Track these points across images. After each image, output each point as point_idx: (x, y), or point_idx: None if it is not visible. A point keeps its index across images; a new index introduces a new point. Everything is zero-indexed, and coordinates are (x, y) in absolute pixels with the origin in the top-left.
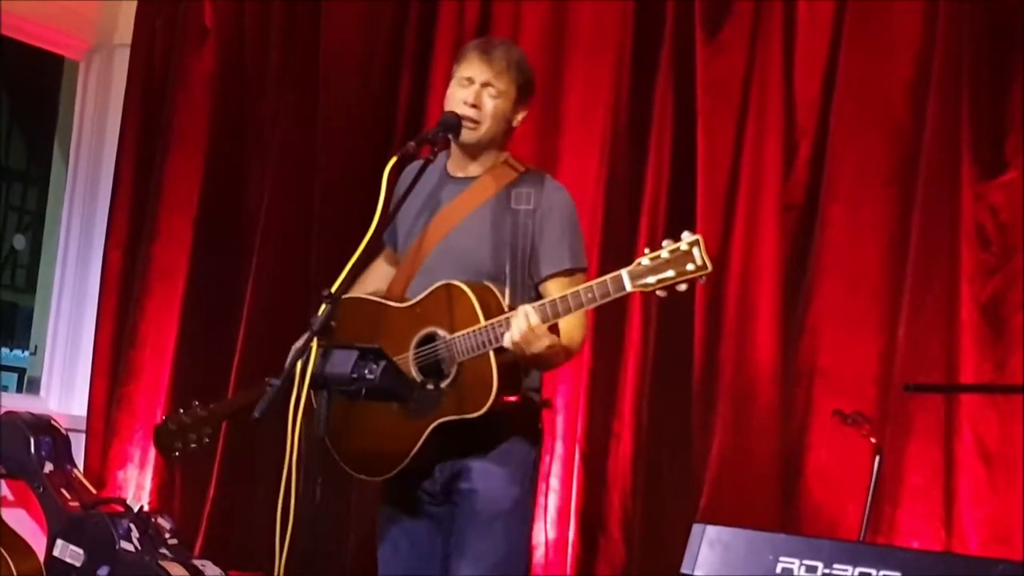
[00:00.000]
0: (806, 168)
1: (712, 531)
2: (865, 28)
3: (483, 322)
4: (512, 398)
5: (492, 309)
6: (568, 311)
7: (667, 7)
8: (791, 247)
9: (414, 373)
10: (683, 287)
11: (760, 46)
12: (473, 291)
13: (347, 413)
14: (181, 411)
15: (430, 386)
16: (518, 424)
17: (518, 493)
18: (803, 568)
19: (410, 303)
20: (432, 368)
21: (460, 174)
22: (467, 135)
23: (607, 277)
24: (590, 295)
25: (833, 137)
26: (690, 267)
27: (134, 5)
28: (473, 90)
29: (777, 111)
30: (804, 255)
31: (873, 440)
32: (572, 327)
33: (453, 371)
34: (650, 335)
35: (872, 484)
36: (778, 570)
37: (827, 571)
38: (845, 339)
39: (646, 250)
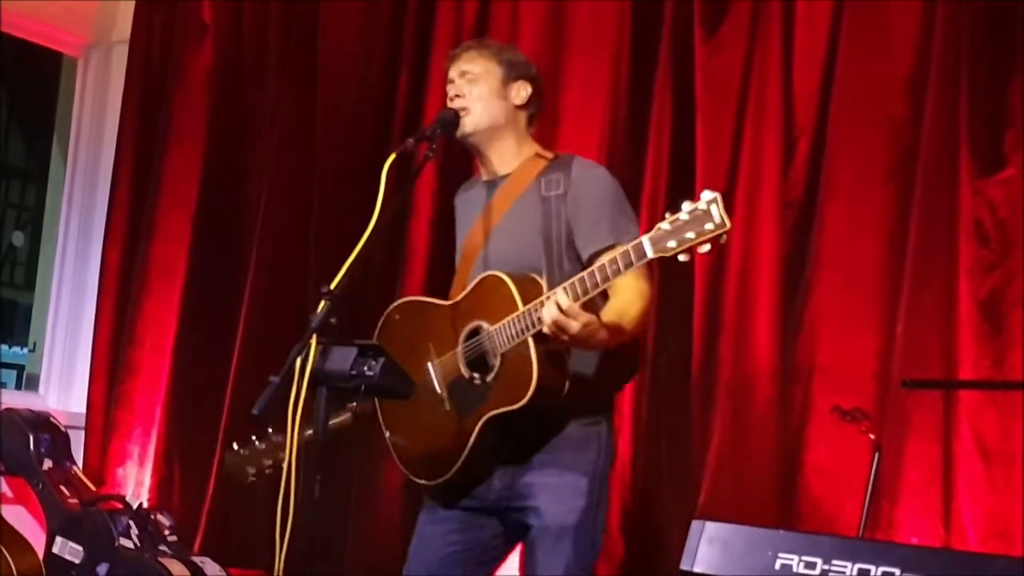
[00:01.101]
0: (804, 165)
1: (711, 527)
2: (863, 25)
3: (520, 309)
4: (557, 387)
5: (532, 297)
6: (596, 286)
7: (665, 5)
8: (790, 244)
9: (463, 368)
10: (705, 248)
11: (759, 44)
12: (512, 279)
13: (401, 415)
14: (254, 438)
15: (476, 380)
16: (582, 419)
17: (584, 505)
18: (802, 564)
19: (456, 299)
20: (478, 361)
21: (489, 177)
22: (464, 124)
23: (629, 246)
24: (614, 267)
25: (831, 134)
26: (709, 226)
27: (132, 2)
28: (455, 85)
29: (776, 108)
30: (803, 252)
31: (872, 436)
32: (626, 301)
33: (496, 363)
34: (649, 331)
35: (871, 480)
36: (777, 566)
37: (826, 567)
38: (844, 335)
39: (666, 214)
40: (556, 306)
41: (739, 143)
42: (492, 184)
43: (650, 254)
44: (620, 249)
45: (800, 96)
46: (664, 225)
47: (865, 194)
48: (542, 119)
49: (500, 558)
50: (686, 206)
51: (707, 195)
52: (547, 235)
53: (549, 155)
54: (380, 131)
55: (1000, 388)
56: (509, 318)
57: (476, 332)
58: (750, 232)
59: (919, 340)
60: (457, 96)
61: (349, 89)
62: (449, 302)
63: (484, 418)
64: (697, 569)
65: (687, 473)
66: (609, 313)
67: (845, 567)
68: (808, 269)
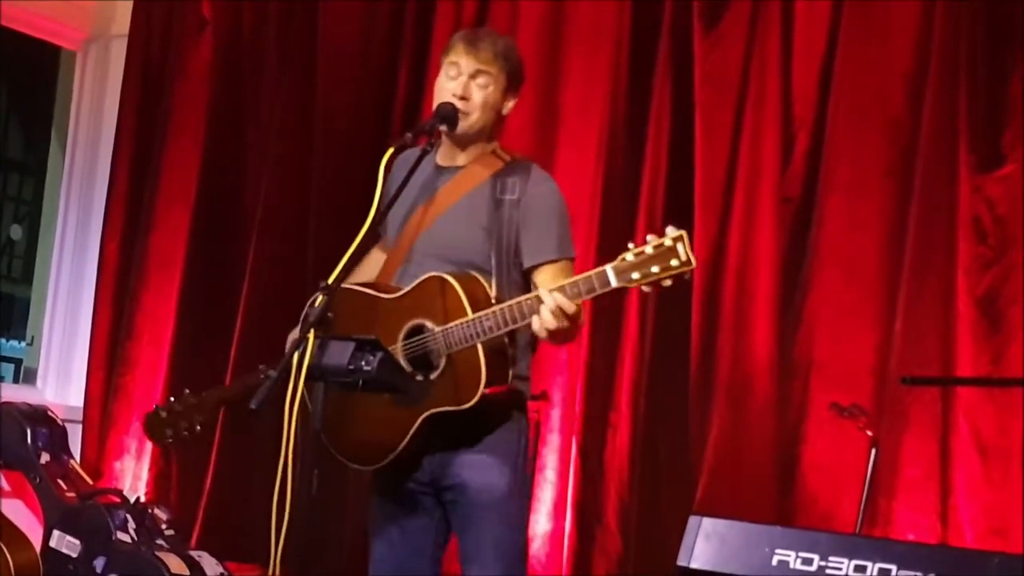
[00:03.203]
0: (804, 160)
1: (708, 523)
2: (863, 20)
3: (471, 314)
4: (499, 389)
5: (480, 300)
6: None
7: (665, 1)
8: (788, 239)
9: (403, 364)
10: (668, 283)
11: (758, 39)
12: (460, 283)
13: (340, 403)
14: (172, 399)
15: (419, 377)
16: (505, 412)
17: (510, 479)
18: (799, 561)
19: (398, 295)
20: (421, 360)
21: (447, 164)
22: (458, 125)
23: (592, 272)
24: (575, 290)
25: (831, 129)
26: (674, 263)
27: None
28: (462, 81)
29: (775, 103)
30: (801, 247)
31: (869, 433)
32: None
33: (442, 363)
34: (647, 327)
35: (868, 477)
36: (774, 563)
37: (823, 564)
38: (842, 331)
39: (630, 245)
40: (560, 309)
41: (738, 138)
42: (445, 170)
43: (614, 283)
44: (559, 264)
45: (799, 92)
46: (628, 256)
47: (864, 190)
48: (542, 115)
49: (448, 539)
50: (651, 239)
51: (672, 231)
52: (498, 237)
53: (507, 156)
54: (379, 125)
55: (998, 385)
56: (461, 321)
57: (418, 330)
58: (749, 227)
59: (917, 336)
60: (463, 98)
61: (348, 84)
62: (388, 296)
63: (426, 414)
64: (694, 565)
65: (685, 468)
66: None
67: (842, 563)
68: (807, 265)
